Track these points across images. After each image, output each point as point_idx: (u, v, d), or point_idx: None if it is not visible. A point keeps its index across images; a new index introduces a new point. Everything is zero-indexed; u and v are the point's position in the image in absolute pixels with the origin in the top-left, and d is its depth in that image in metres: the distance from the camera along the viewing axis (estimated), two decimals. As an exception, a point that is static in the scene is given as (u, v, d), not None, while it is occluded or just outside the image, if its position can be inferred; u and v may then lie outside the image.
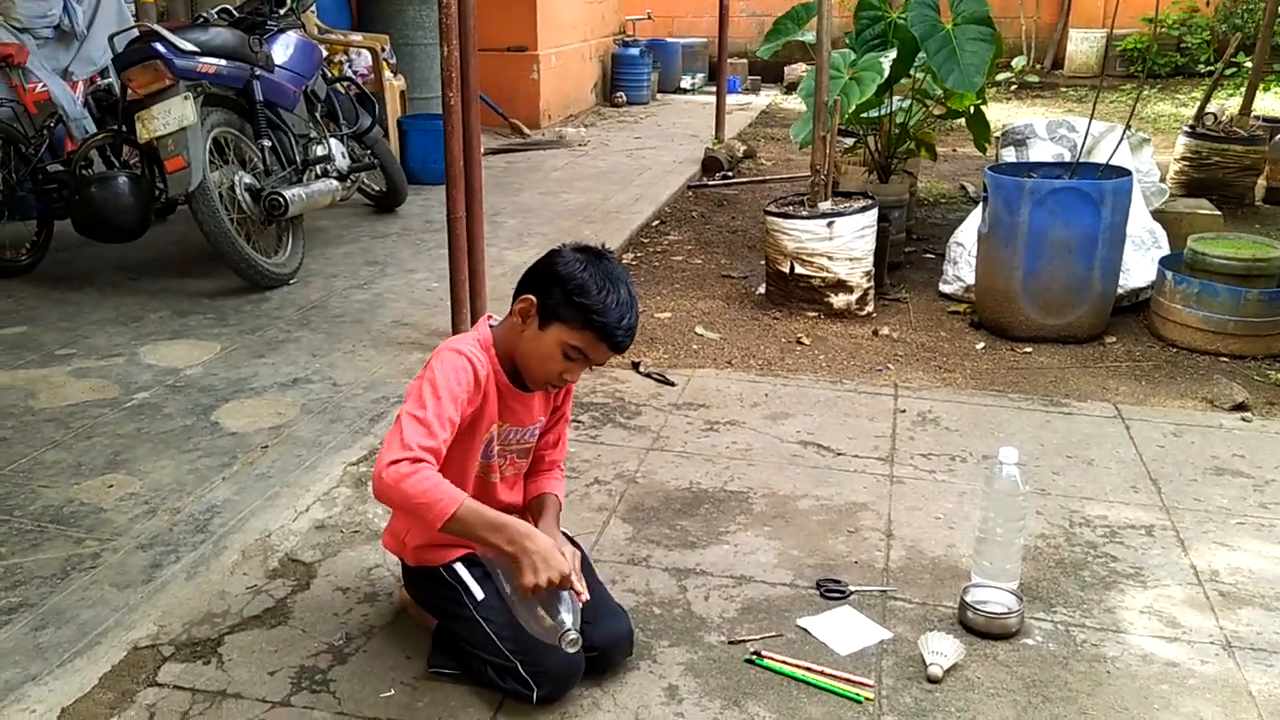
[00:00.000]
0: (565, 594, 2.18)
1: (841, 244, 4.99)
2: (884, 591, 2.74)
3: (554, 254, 2.25)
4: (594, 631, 2.31)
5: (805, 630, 2.57)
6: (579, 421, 3.78)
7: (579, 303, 2.18)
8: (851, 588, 2.74)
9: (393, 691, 2.33)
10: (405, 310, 4.93)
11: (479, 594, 2.31)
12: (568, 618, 2.16)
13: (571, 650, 2.15)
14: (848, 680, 2.37)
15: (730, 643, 2.51)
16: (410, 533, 2.44)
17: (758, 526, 3.07)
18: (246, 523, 3.03)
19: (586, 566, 2.47)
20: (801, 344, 4.74)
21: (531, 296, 2.24)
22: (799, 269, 5.12)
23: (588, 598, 2.22)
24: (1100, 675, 2.43)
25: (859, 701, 2.30)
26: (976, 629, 2.55)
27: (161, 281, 5.23)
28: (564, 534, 2.41)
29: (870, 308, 5.10)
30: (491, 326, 2.36)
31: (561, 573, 2.12)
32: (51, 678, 2.35)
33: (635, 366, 4.36)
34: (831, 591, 2.73)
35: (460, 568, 2.39)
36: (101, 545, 2.91)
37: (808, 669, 2.41)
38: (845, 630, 2.56)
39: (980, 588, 2.64)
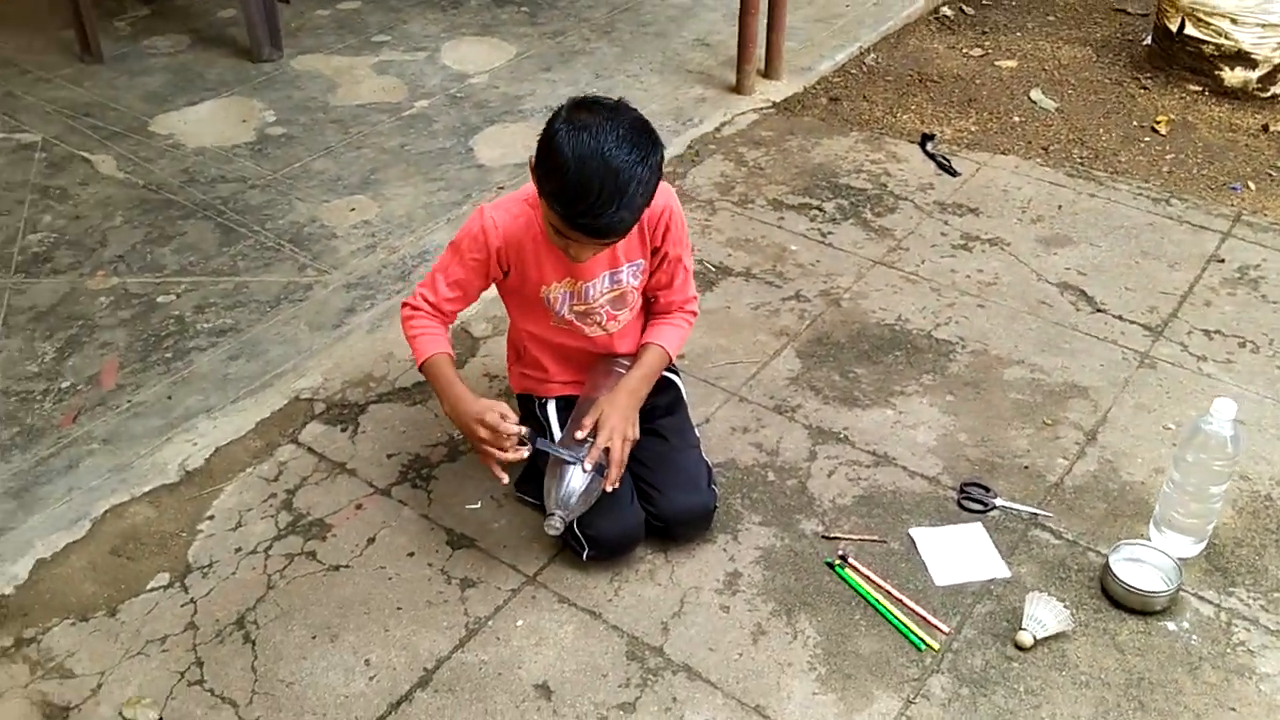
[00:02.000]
0: (573, 469, 2.09)
1: (1255, 1, 3.96)
2: (1034, 515, 2.38)
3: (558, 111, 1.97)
4: (663, 502, 2.23)
5: (913, 542, 2.32)
6: (819, 209, 3.45)
7: (540, 174, 1.95)
8: (998, 501, 2.41)
9: (479, 504, 2.42)
10: (714, 26, 4.65)
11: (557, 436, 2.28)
12: (565, 494, 2.09)
13: (550, 533, 2.11)
14: (923, 618, 2.14)
15: (824, 537, 2.33)
16: (511, 355, 2.43)
17: (939, 393, 2.73)
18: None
19: (674, 425, 2.34)
20: (1156, 132, 3.94)
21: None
22: (1189, 29, 4.16)
23: (610, 488, 2.14)
24: (1231, 693, 2.01)
25: (919, 648, 2.09)
26: (1113, 596, 2.18)
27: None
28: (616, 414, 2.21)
29: (1276, 90, 4.08)
30: None
31: (485, 456, 2.11)
32: (221, 414, 2.68)
33: (924, 142, 3.84)
34: (972, 500, 2.42)
35: (551, 408, 2.36)
36: (318, 276, 3.17)
37: (887, 592, 2.20)
38: (958, 554, 2.28)
39: (1138, 545, 2.22)
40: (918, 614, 2.15)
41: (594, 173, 1.84)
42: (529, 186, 2.08)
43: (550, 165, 1.89)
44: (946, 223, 3.40)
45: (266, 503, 2.44)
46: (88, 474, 2.51)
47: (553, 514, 2.10)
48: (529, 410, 2.38)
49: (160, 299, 3.10)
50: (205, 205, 3.49)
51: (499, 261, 2.16)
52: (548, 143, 1.90)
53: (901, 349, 2.88)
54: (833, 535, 2.33)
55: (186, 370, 2.82)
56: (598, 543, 2.20)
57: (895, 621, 2.14)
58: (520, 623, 2.15)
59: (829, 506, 2.41)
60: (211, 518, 2.40)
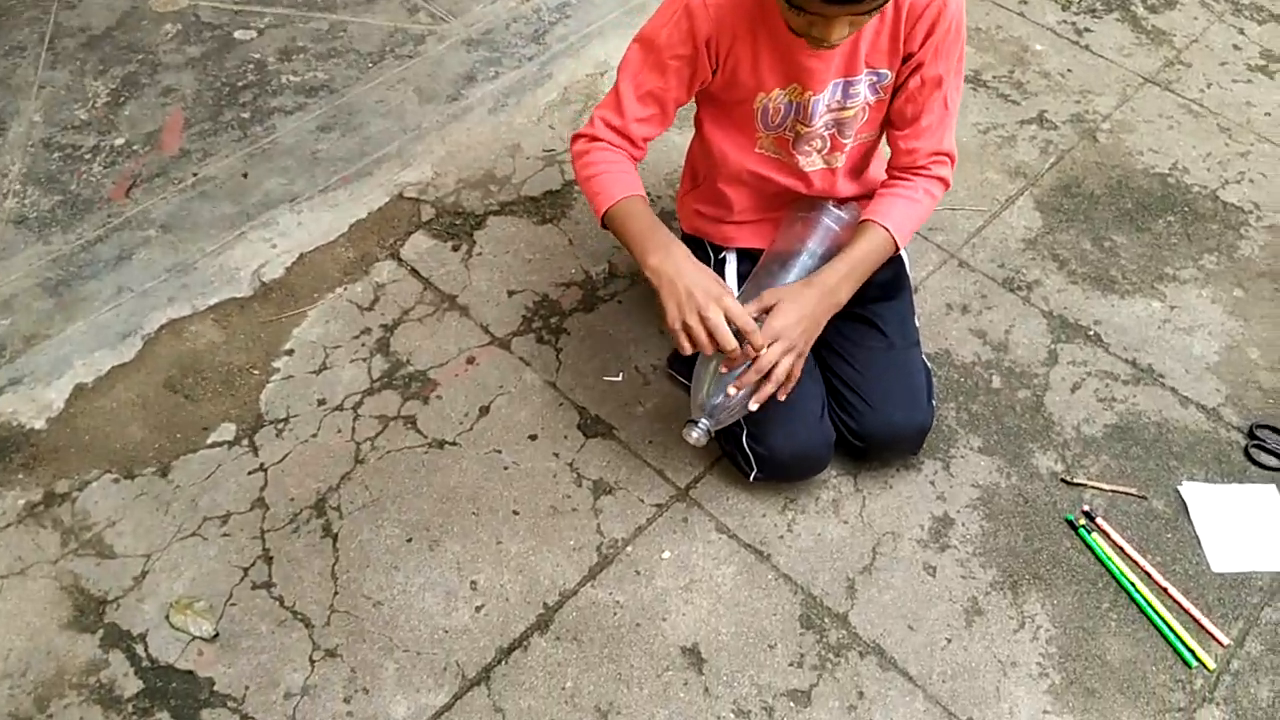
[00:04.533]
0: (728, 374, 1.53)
1: None
2: (1349, 483, 1.80)
3: None
4: (872, 419, 1.69)
5: (1183, 503, 1.76)
6: (1073, -2, 2.65)
7: None
8: (1301, 457, 1.82)
9: (620, 376, 1.90)
10: None
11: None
12: (714, 399, 1.56)
13: (689, 440, 1.58)
14: (1195, 621, 1.63)
15: (1065, 481, 1.79)
16: (685, 182, 1.83)
17: (1225, 284, 2.08)
18: (589, 43, 2.48)
19: (894, 315, 1.75)
20: None
21: None
22: None
23: (754, 406, 1.56)
24: None
25: (1189, 665, 1.58)
26: None
27: None
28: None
29: None
30: None
31: (699, 328, 1.47)
32: (308, 206, 2.15)
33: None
34: (1265, 450, 1.83)
35: (731, 265, 1.78)
36: (432, 24, 2.52)
37: (1146, 574, 1.67)
38: (1243, 528, 1.73)
39: None
40: (1189, 614, 1.63)
41: None
42: None
43: None
44: (1243, 31, 2.60)
45: (358, 340, 1.94)
46: (141, 271, 2.02)
47: (696, 421, 1.57)
48: (702, 255, 1.79)
49: (238, 34, 2.49)
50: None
51: (710, 55, 1.52)
52: None
53: (1176, 213, 2.20)
54: (1076, 481, 1.78)
55: (268, 139, 2.26)
56: (770, 464, 1.68)
57: (1159, 622, 1.62)
58: (667, 554, 1.68)
59: (1071, 435, 1.84)
60: (290, 352, 1.92)
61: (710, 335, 1.46)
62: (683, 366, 1.87)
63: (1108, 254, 2.13)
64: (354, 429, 1.82)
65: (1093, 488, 1.78)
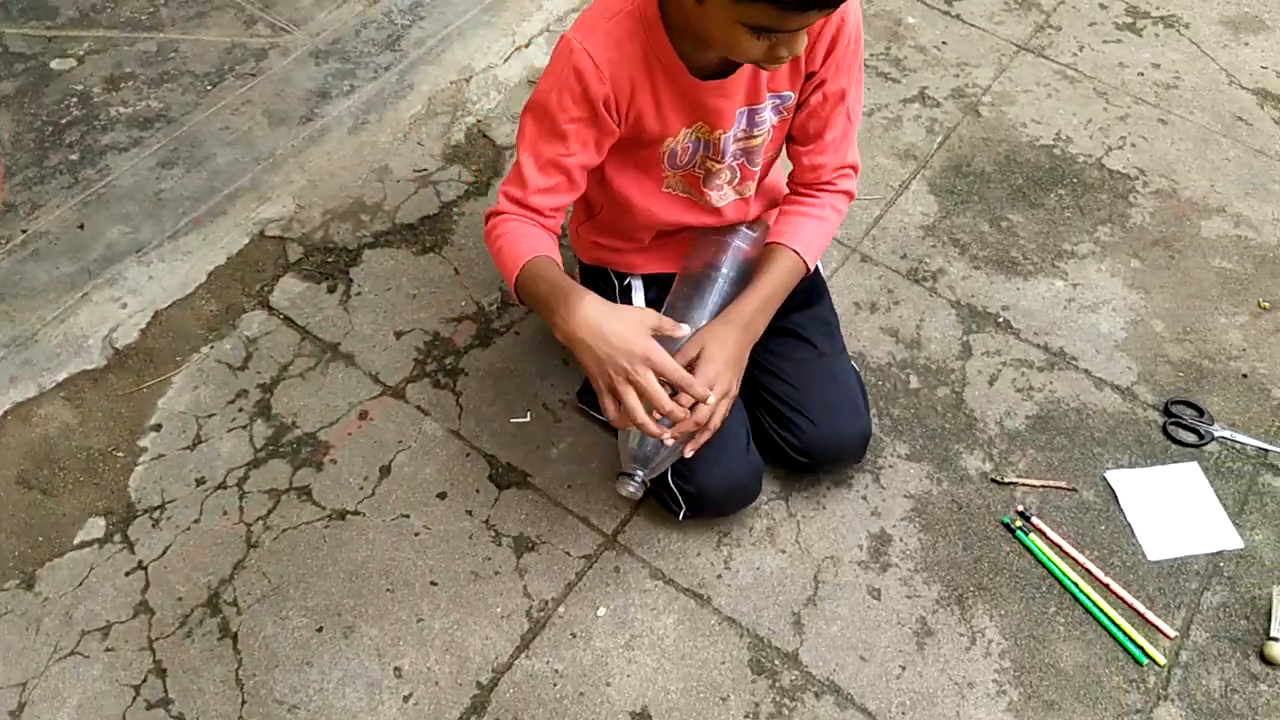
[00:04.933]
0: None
1: None
2: (1264, 451, 1.81)
3: None
4: (814, 434, 1.61)
5: (1112, 491, 1.74)
6: (940, -35, 2.60)
7: None
8: (1217, 430, 1.82)
9: (529, 416, 1.77)
10: None
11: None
12: (645, 446, 1.46)
13: (623, 495, 1.49)
14: (1139, 615, 1.61)
15: (995, 481, 1.75)
16: (579, 212, 1.70)
17: (1121, 256, 2.07)
18: (449, 47, 2.32)
19: (818, 322, 1.67)
20: None
21: None
22: None
23: (688, 453, 1.48)
24: None
25: (1140, 662, 1.57)
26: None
27: None
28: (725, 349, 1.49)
29: None
30: None
31: (629, 394, 1.34)
32: (158, 255, 1.94)
33: None
34: (1182, 427, 1.83)
35: (638, 291, 1.67)
36: (274, 36, 2.31)
37: (1086, 572, 1.65)
38: (1172, 512, 1.72)
39: None
40: (1132, 608, 1.62)
41: None
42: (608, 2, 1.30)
43: None
44: (1106, -9, 2.59)
45: (234, 405, 1.76)
46: (-26, 351, 1.79)
47: (631, 474, 1.47)
48: (598, 287, 1.67)
49: (55, 64, 2.24)
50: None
51: (612, 113, 1.39)
52: None
53: (1066, 185, 2.18)
54: (1006, 480, 1.75)
55: (103, 183, 2.03)
56: (700, 501, 1.59)
57: (1106, 623, 1.60)
58: (602, 611, 1.58)
59: (995, 432, 1.80)
60: (158, 427, 1.73)
61: (650, 396, 1.34)
62: (594, 399, 1.75)
63: (1006, 234, 2.09)
64: (242, 508, 1.65)
65: (1023, 485, 1.74)
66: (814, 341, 1.65)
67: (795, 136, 1.55)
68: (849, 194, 1.59)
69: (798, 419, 1.61)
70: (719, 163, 1.50)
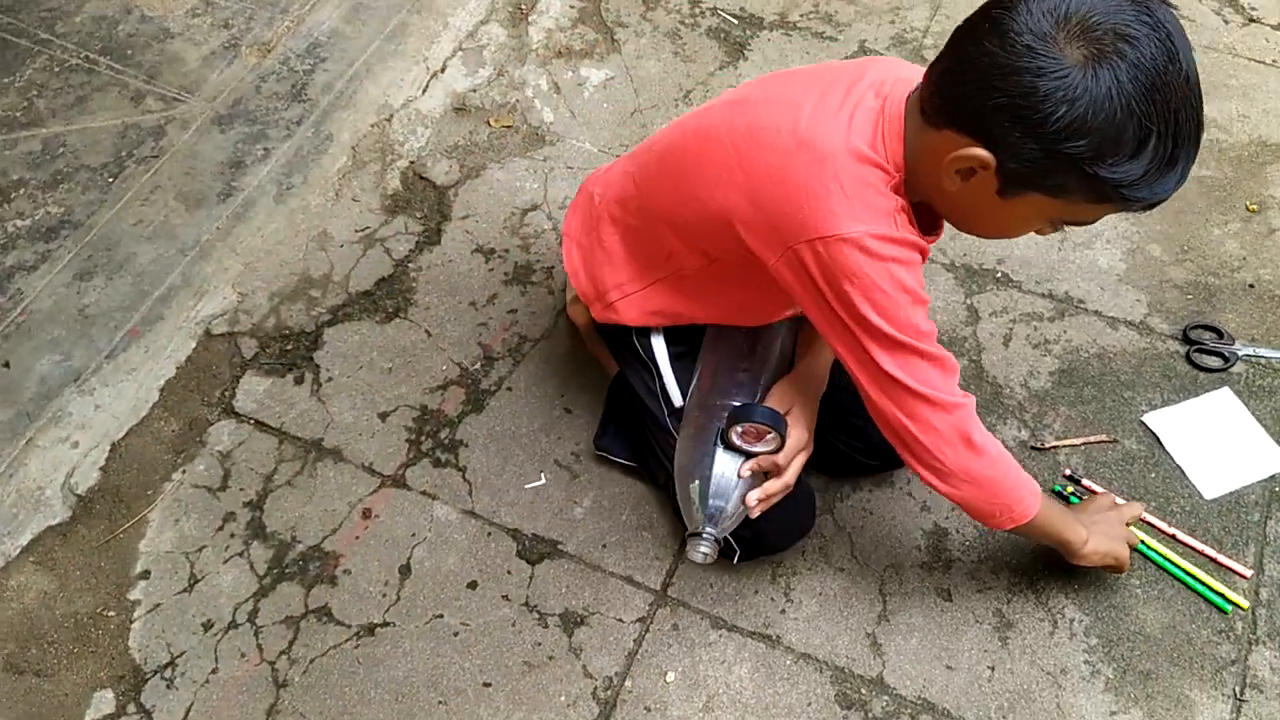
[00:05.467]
0: (725, 461, 1.37)
1: None
2: (1291, 362, 1.77)
3: (1029, 54, 0.99)
4: (879, 434, 1.50)
5: (1153, 436, 1.68)
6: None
7: (1096, 175, 1.01)
8: (1239, 349, 1.77)
9: (544, 479, 1.65)
10: None
11: (677, 399, 1.49)
12: (717, 502, 1.37)
13: (696, 559, 1.38)
14: (1212, 560, 1.56)
15: (1036, 449, 1.67)
16: (594, 256, 1.54)
17: (1103, 185, 1.99)
18: (359, 86, 2.15)
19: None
20: None
21: (983, 152, 1.05)
22: None
23: (756, 512, 1.40)
24: None
25: (1223, 610, 1.51)
26: None
27: None
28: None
29: None
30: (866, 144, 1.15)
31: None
32: (99, 380, 1.76)
33: None
34: (1205, 351, 1.77)
35: (659, 344, 1.53)
36: (167, 109, 2.12)
37: (1149, 525, 1.59)
38: (1216, 445, 1.67)
39: None
40: (1203, 554, 1.56)
41: (1174, 89, 0.98)
42: (853, 202, 1.13)
43: (1093, 149, 0.99)
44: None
45: (224, 531, 1.61)
46: (-80, 530, 1.61)
47: (700, 534, 1.37)
48: (615, 336, 1.55)
49: (-69, 184, 2.02)
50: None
51: None
52: (1076, 116, 0.98)
53: (1029, 118, 2.10)
54: (1047, 445, 1.67)
55: (17, 310, 1.84)
56: (757, 544, 1.50)
57: (1182, 575, 1.54)
58: (671, 676, 1.48)
59: (1023, 395, 1.73)
60: (146, 575, 1.58)
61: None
62: (612, 444, 1.65)
63: (983, 182, 2.01)
64: (260, 646, 1.51)
65: (1064, 446, 1.68)
66: None
67: None
68: None
69: (866, 425, 1.51)
70: None
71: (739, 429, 1.34)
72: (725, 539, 1.45)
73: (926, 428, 1.20)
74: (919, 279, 1.17)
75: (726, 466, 1.36)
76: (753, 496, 1.34)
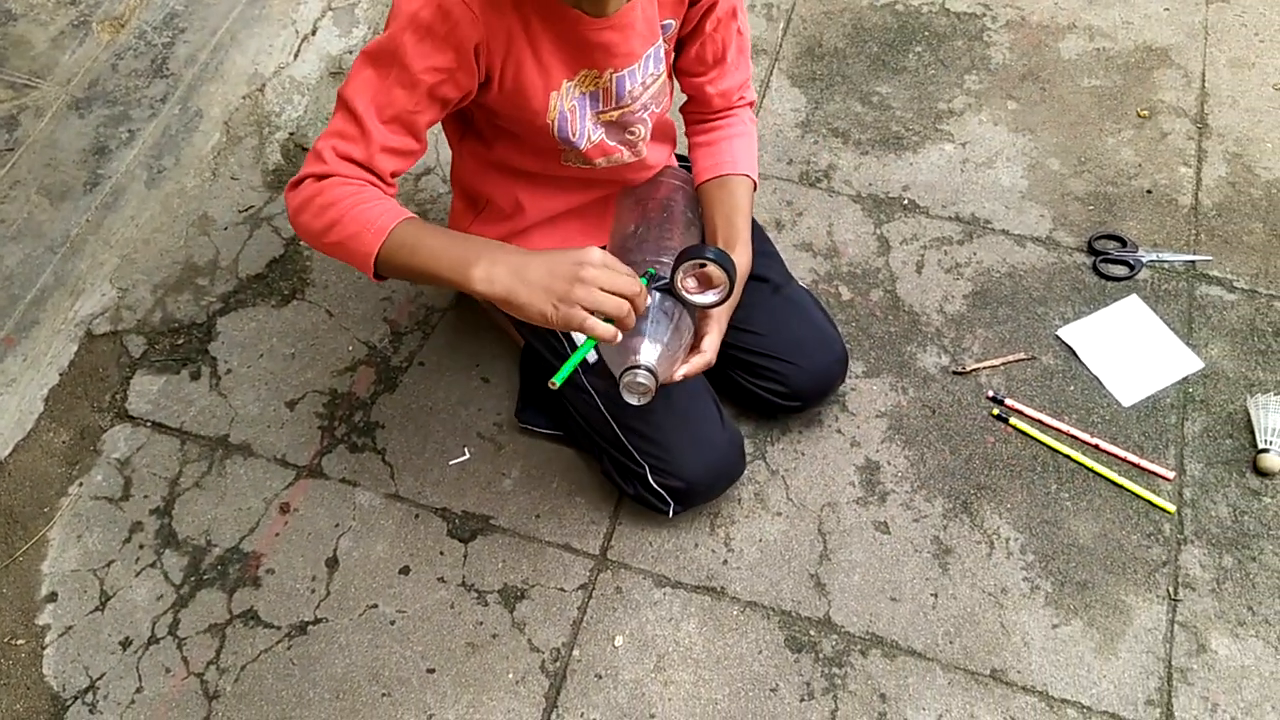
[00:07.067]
0: (648, 323, 1.24)
1: None
2: (1190, 264, 1.80)
3: None
4: (799, 375, 1.51)
5: (1069, 349, 1.70)
6: None
7: None
8: (1143, 255, 1.80)
9: (467, 453, 1.60)
10: None
11: (592, 355, 1.44)
12: (646, 349, 1.22)
13: (633, 401, 1.25)
14: (1136, 466, 1.59)
15: (958, 373, 1.68)
16: (484, 210, 1.47)
17: (997, 102, 2.00)
18: (225, 56, 2.03)
19: (766, 257, 1.55)
20: None
21: None
22: None
23: (682, 375, 1.29)
24: None
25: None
26: (1336, 367, 1.68)
27: None
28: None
29: None
30: None
31: (591, 295, 1.12)
32: (-21, 399, 1.63)
33: None
34: (1110, 260, 1.80)
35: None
36: (18, 96, 1.97)
37: (1072, 437, 1.61)
38: (1130, 352, 1.70)
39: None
40: (1127, 461, 1.59)
41: None
42: None
43: None
44: None
45: (131, 544, 1.52)
46: None
47: (635, 368, 1.21)
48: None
49: None
50: None
51: (481, 63, 1.18)
52: None
53: (919, 40, 2.09)
54: (968, 369, 1.68)
55: (-126, 329, 1.70)
56: (687, 493, 1.47)
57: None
58: (619, 640, 1.45)
59: (940, 321, 1.73)
60: (53, 597, 1.48)
61: (618, 287, 1.13)
62: (535, 416, 1.60)
63: (881, 110, 1.99)
64: (185, 659, 1.43)
65: (985, 368, 1.68)
66: (766, 276, 1.52)
67: (691, 69, 1.39)
68: (753, 103, 1.48)
69: (777, 365, 1.49)
70: (625, 110, 1.31)
71: (686, 270, 1.23)
72: (656, 493, 1.42)
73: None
74: (435, 46, 1.13)
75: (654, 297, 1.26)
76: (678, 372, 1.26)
